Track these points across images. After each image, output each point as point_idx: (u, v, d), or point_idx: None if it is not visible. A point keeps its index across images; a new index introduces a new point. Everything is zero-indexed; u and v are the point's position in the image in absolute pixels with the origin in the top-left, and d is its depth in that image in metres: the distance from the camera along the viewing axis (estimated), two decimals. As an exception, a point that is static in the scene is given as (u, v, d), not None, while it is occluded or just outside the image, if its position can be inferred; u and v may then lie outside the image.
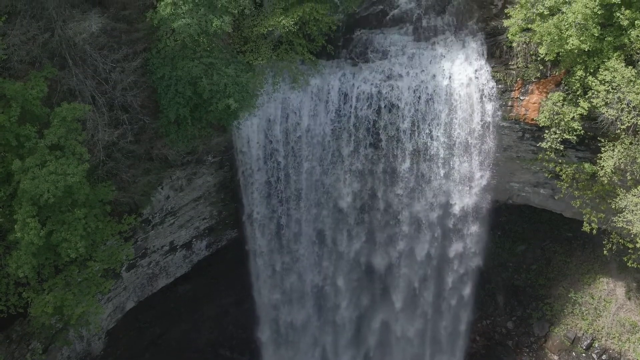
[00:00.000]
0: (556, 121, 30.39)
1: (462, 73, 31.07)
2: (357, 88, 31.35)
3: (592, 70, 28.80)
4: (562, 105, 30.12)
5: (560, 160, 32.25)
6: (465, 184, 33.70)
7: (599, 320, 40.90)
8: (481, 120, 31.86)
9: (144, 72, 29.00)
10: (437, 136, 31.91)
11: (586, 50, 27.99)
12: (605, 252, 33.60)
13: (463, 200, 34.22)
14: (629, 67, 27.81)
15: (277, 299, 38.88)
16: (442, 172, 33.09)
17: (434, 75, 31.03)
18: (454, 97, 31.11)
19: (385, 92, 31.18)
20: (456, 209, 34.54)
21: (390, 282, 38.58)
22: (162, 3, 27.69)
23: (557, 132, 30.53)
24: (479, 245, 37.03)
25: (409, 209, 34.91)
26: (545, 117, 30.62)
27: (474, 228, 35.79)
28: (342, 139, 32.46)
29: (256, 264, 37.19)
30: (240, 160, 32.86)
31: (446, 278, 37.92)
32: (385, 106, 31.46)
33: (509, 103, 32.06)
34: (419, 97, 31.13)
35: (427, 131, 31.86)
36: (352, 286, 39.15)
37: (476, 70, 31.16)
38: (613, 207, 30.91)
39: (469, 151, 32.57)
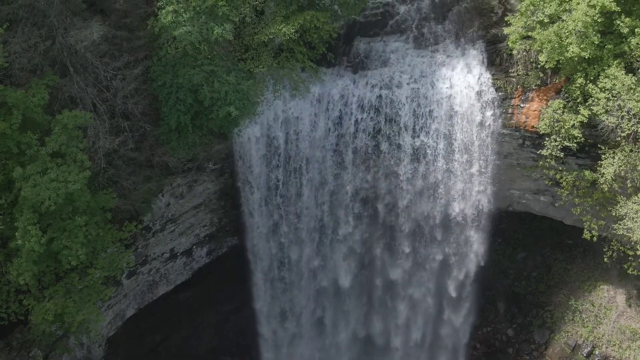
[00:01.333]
0: (556, 128, 30.41)
1: (462, 81, 31.11)
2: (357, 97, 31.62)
3: (592, 78, 28.84)
4: (563, 112, 30.14)
5: (560, 168, 32.24)
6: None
7: (599, 327, 40.79)
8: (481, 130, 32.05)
9: (145, 80, 29.04)
10: (436, 142, 32.12)
11: (586, 57, 28.04)
12: (605, 259, 33.57)
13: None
14: (629, 74, 27.85)
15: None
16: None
17: (434, 83, 31.10)
18: (454, 105, 31.21)
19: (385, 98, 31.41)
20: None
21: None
22: (163, 11, 27.76)
23: (558, 139, 30.54)
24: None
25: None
26: (546, 125, 30.63)
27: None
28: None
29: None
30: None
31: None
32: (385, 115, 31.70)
33: (509, 110, 32.06)
34: (418, 105, 31.24)
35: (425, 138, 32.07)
36: None
37: (477, 78, 31.21)
38: (613, 214, 30.90)
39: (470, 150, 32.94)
